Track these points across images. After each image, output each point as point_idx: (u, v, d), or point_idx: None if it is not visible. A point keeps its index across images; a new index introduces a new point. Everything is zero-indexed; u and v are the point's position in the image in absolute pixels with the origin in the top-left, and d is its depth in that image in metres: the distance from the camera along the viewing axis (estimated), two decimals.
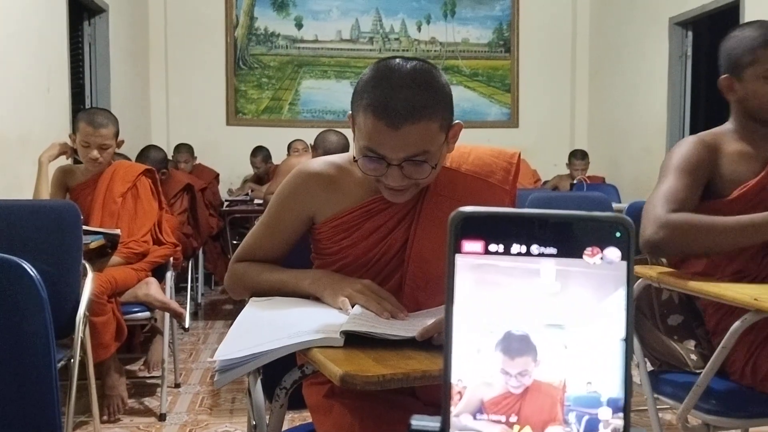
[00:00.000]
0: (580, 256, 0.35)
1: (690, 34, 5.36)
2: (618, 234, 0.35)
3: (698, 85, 5.46)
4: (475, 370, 0.35)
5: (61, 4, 4.00)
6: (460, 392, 0.35)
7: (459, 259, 0.36)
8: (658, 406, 1.77)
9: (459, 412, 0.35)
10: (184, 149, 5.49)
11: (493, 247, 0.35)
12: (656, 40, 5.52)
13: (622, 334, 0.35)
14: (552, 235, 0.35)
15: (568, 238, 0.35)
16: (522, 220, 0.35)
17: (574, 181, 5.47)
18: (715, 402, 1.62)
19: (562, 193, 4.84)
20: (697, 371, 1.69)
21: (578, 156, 5.66)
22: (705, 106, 5.59)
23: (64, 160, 3.06)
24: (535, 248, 0.35)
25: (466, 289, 0.36)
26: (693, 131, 5.45)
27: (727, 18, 4.80)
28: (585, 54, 6.76)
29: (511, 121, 6.80)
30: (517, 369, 0.35)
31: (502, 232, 0.35)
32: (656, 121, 5.54)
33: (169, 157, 5.55)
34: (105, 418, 2.71)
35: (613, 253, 0.35)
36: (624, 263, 0.35)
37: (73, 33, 4.44)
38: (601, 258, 0.35)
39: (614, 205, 3.55)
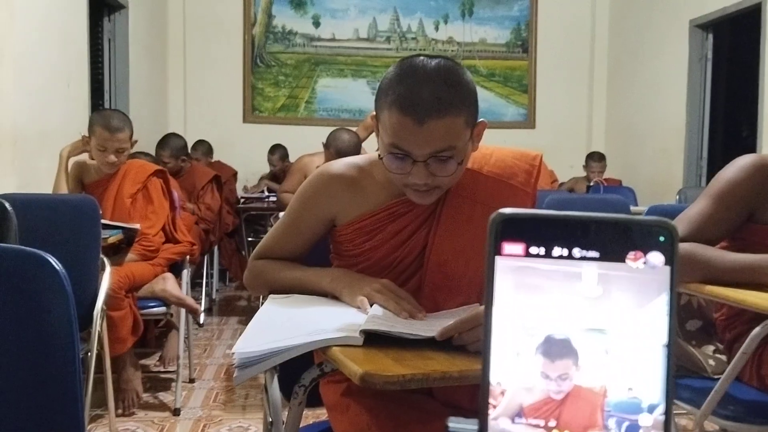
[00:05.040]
0: (623, 260, 0.35)
1: (710, 36, 5.31)
2: (662, 238, 0.35)
3: (718, 88, 5.41)
4: (514, 373, 0.35)
5: (82, 1, 4.03)
6: (499, 395, 0.35)
7: (499, 261, 0.35)
8: (674, 412, 1.76)
9: (497, 415, 0.35)
10: (201, 146, 5.52)
11: (534, 250, 0.35)
12: (676, 42, 5.47)
13: (665, 339, 0.34)
14: (594, 239, 0.35)
15: (610, 242, 0.35)
16: (564, 222, 0.35)
17: (591, 183, 5.44)
18: (733, 408, 1.61)
19: (580, 195, 4.81)
20: (716, 377, 1.68)
21: (595, 158, 5.63)
22: (724, 109, 5.54)
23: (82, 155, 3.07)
24: (577, 251, 0.35)
25: (506, 291, 0.35)
26: (712, 135, 5.42)
27: (748, 21, 4.76)
28: (603, 55, 6.72)
29: (528, 121, 6.78)
30: (558, 372, 0.35)
31: (544, 234, 0.35)
32: (675, 123, 5.50)
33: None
34: (120, 411, 2.73)
35: (656, 257, 0.35)
36: (668, 268, 0.35)
37: (93, 29, 4.47)
38: (645, 262, 0.35)
39: (632, 208, 3.53)
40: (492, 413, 0.35)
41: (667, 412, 0.35)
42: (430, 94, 1.15)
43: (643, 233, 0.35)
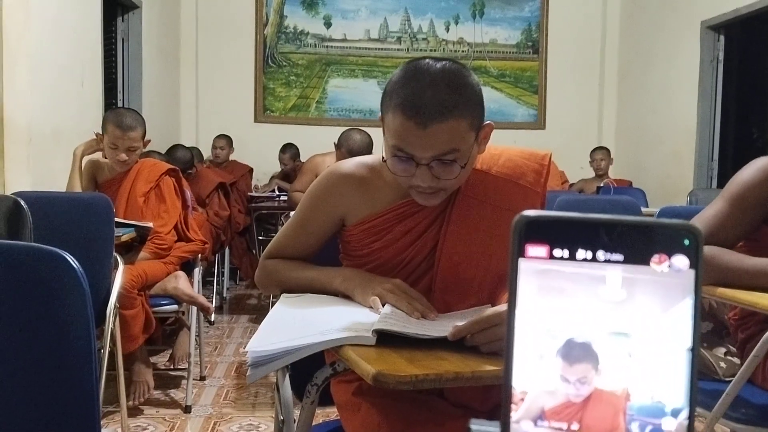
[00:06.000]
0: (647, 264, 0.35)
1: (722, 38, 5.28)
2: (687, 242, 0.35)
3: (729, 90, 5.38)
4: (537, 376, 0.35)
5: (96, 1, 4.06)
6: (521, 398, 0.35)
7: (522, 263, 0.35)
8: None
9: (519, 418, 0.35)
10: (223, 137, 5.60)
11: (557, 252, 0.35)
12: (687, 44, 5.44)
13: (689, 344, 0.34)
14: (619, 242, 0.35)
15: (635, 245, 0.35)
16: (589, 225, 0.35)
17: (601, 185, 5.44)
18: (744, 411, 1.60)
19: (590, 196, 4.80)
20: (727, 379, 1.67)
21: (598, 150, 5.71)
22: (736, 111, 5.51)
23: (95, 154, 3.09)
24: (601, 254, 0.35)
25: (530, 294, 0.35)
26: (723, 137, 5.38)
27: (760, 22, 4.73)
28: (614, 56, 6.69)
29: (538, 122, 6.76)
30: (576, 376, 0.35)
31: (568, 236, 0.35)
32: (685, 125, 5.47)
33: (203, 151, 5.66)
34: (130, 403, 2.73)
35: (681, 261, 0.35)
36: (692, 272, 0.35)
37: (107, 29, 4.49)
38: (669, 266, 0.35)
39: (642, 210, 3.52)
40: (514, 416, 0.35)
41: (691, 417, 0.35)
42: (433, 97, 1.15)
43: (668, 236, 0.35)
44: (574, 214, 0.35)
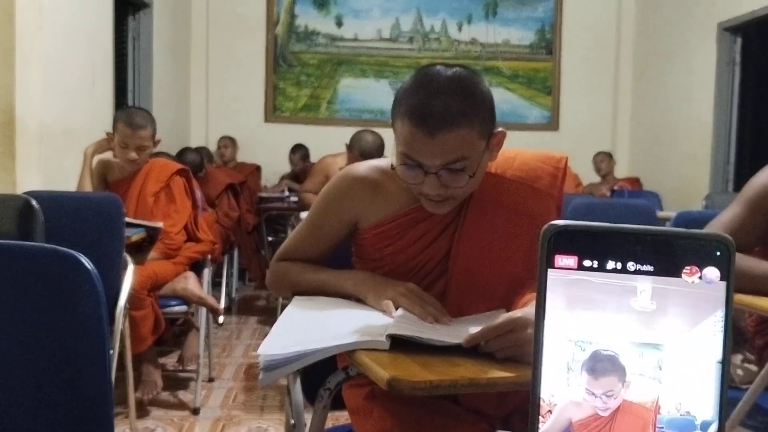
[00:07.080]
0: (678, 275, 0.34)
1: (739, 40, 5.24)
2: (718, 253, 0.34)
3: (746, 93, 5.33)
4: (564, 387, 0.34)
5: (108, 0, 4.07)
6: (548, 410, 0.34)
7: (551, 273, 0.34)
8: None
9: (547, 429, 0.34)
10: (226, 137, 5.66)
11: (587, 263, 0.34)
12: (704, 46, 5.40)
13: (719, 356, 0.33)
14: (649, 252, 0.34)
15: (665, 256, 0.34)
16: (618, 235, 0.34)
17: (615, 188, 5.42)
18: (762, 419, 1.59)
19: (604, 199, 4.77)
20: (744, 387, 1.65)
21: (598, 153, 5.85)
22: (753, 113, 5.45)
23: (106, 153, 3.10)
24: (631, 265, 0.34)
25: (558, 305, 0.34)
26: (739, 140, 5.34)
27: None
28: (629, 57, 6.65)
29: (551, 123, 6.73)
30: (602, 389, 0.34)
31: (597, 247, 0.34)
32: (701, 128, 5.43)
33: (212, 150, 5.68)
34: (138, 395, 2.73)
35: (712, 272, 0.34)
36: (723, 284, 0.34)
37: (118, 28, 4.50)
38: (700, 277, 0.34)
39: (659, 213, 3.49)
40: (541, 427, 0.34)
41: (720, 430, 0.34)
42: (442, 106, 1.15)
43: (699, 248, 0.34)
44: (604, 225, 0.34)
